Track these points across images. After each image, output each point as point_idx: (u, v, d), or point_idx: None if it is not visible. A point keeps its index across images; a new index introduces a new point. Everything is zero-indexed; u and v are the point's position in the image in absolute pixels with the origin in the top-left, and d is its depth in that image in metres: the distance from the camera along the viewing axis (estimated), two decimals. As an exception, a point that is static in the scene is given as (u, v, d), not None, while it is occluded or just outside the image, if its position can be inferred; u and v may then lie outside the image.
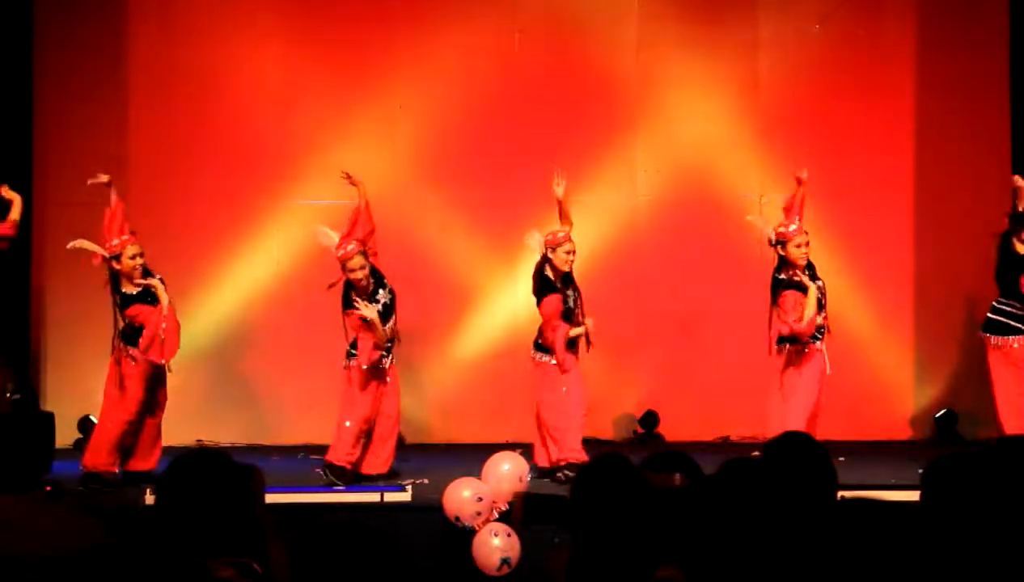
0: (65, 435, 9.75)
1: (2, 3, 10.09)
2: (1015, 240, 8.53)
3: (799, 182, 8.40)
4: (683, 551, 2.95)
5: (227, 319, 10.23)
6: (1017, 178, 8.59)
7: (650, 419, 10.35)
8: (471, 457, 7.83)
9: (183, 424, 9.21)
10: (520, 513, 6.42)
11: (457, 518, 6.50)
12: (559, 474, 8.11)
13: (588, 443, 8.46)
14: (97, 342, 10.24)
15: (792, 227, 8.22)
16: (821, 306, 8.25)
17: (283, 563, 3.27)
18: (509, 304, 10.26)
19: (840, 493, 3.65)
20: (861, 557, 2.63)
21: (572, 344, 8.39)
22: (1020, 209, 8.49)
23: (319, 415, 9.86)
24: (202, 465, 3.19)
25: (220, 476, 3.14)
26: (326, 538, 2.56)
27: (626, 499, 2.96)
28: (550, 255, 8.33)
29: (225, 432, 9.87)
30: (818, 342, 8.25)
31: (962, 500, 3.06)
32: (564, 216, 8.46)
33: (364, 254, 8.13)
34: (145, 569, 2.63)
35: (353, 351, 8.15)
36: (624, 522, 2.93)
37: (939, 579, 2.68)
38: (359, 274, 8.06)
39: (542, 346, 8.42)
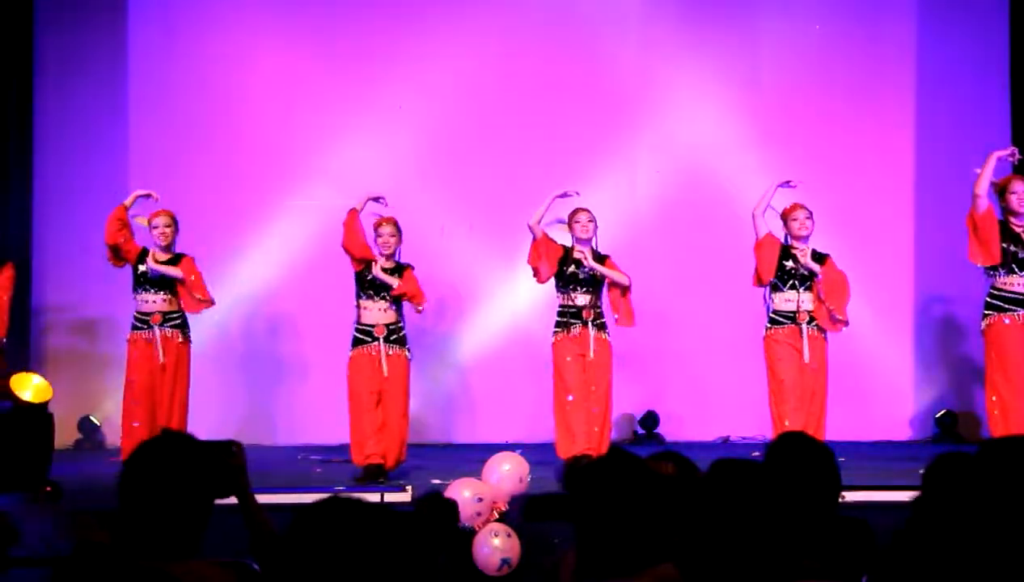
0: (65, 435, 9.76)
1: (3, 2, 10.10)
2: None
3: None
4: (679, 547, 2.95)
5: (226, 319, 10.22)
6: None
7: (650, 419, 10.35)
8: (471, 457, 7.83)
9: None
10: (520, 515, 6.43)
11: (457, 518, 6.48)
12: None
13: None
14: (97, 342, 10.27)
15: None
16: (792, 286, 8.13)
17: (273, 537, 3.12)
18: (509, 304, 10.26)
19: (842, 493, 3.65)
20: (859, 557, 2.63)
21: None
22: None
23: (319, 415, 9.88)
24: (166, 452, 2.89)
25: (186, 461, 2.88)
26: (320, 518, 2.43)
27: (635, 490, 2.95)
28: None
29: (225, 432, 9.86)
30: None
31: (961, 499, 3.05)
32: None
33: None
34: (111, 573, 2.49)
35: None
36: (633, 513, 2.92)
37: (935, 576, 2.67)
38: None
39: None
